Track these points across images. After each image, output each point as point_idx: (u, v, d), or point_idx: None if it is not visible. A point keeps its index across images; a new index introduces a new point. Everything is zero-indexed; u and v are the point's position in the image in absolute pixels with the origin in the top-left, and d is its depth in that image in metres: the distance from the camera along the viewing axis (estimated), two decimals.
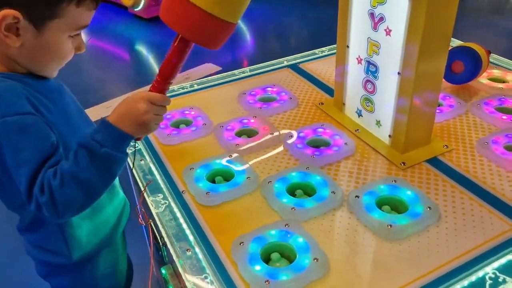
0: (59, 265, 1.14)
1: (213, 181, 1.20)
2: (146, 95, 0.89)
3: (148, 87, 0.94)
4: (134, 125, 0.88)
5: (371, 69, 1.29)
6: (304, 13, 5.38)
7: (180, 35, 0.89)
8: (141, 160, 1.31)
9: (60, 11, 0.87)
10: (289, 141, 1.34)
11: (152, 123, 0.90)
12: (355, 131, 1.39)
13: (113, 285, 1.31)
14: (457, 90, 1.58)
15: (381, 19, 1.19)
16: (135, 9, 5.18)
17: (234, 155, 1.28)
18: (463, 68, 1.48)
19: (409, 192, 1.11)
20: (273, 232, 1.01)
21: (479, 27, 4.66)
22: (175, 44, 0.90)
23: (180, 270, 0.98)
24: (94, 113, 3.19)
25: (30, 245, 1.14)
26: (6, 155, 0.86)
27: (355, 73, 1.37)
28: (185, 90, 1.69)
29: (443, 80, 1.53)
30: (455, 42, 1.84)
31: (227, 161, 1.25)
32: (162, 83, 0.92)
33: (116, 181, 1.22)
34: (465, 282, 0.91)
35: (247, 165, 1.24)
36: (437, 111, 1.42)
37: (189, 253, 1.01)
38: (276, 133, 1.36)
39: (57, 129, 0.93)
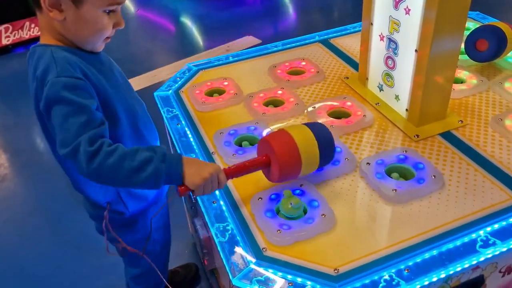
0: (114, 218, 1.28)
1: (240, 145, 1.34)
2: (219, 168, 1.06)
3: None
4: (192, 173, 1.02)
5: (392, 46, 1.37)
6: None
7: (266, 158, 1.10)
8: (177, 124, 1.47)
9: None
10: (311, 111, 1.45)
11: (201, 184, 1.02)
12: (376, 104, 1.48)
13: (163, 239, 1.51)
14: (481, 68, 1.62)
15: None
16: None
17: (260, 122, 1.41)
18: (487, 46, 1.52)
19: (417, 162, 1.20)
20: (288, 191, 1.15)
21: None
22: (259, 164, 1.11)
23: (207, 219, 1.14)
24: (139, 82, 3.39)
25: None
26: (56, 109, 0.99)
27: (377, 49, 1.45)
28: (221, 62, 1.82)
29: (468, 58, 1.59)
30: (489, 20, 1.85)
31: (253, 128, 1.38)
32: (231, 173, 1.09)
33: None
34: (458, 242, 1.01)
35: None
36: (460, 87, 1.48)
37: (215, 205, 1.16)
38: (300, 104, 1.48)
39: (107, 95, 1.08)
